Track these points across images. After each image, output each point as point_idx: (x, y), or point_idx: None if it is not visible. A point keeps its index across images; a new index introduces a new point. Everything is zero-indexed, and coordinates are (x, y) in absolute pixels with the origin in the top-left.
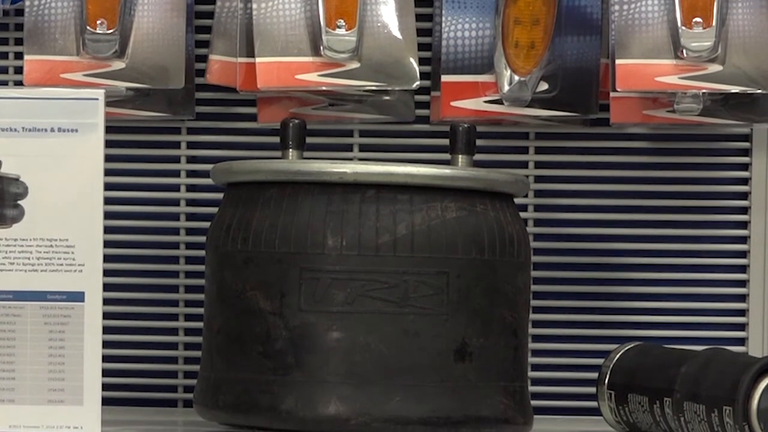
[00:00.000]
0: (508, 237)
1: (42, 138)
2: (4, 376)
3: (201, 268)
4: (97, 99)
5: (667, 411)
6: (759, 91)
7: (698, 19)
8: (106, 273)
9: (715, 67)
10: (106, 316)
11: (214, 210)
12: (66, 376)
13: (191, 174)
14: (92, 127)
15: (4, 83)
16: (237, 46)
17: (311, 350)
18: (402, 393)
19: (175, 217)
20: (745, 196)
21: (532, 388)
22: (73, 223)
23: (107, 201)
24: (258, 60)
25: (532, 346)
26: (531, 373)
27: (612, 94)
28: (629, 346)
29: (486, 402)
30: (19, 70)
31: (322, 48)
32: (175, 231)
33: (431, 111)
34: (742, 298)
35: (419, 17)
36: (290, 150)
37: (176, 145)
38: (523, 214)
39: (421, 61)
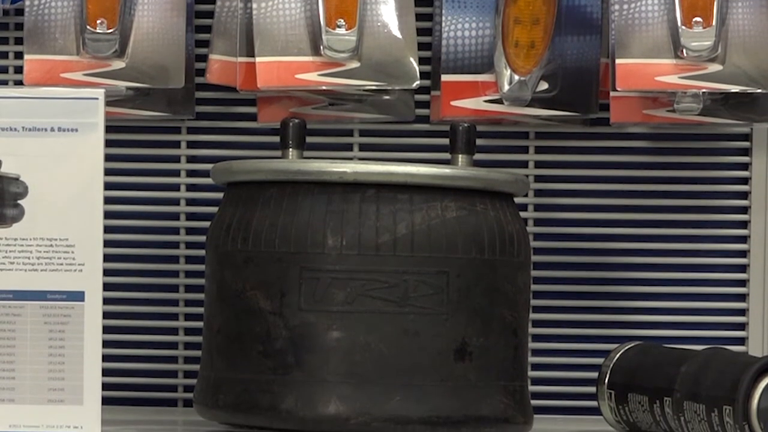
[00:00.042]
0: (508, 236)
1: (42, 137)
2: (4, 375)
3: (201, 267)
4: (97, 98)
5: (667, 410)
6: (759, 90)
7: (698, 19)
8: (106, 272)
9: (715, 67)
10: (106, 315)
11: (214, 209)
12: (66, 376)
13: (191, 173)
14: (92, 127)
15: (4, 83)
16: (237, 46)
17: (311, 350)
18: (402, 393)
19: (175, 216)
20: (745, 195)
21: (532, 388)
22: (73, 223)
23: (107, 200)
24: (258, 59)
25: (532, 345)
26: (531, 373)
27: (612, 94)
28: (629, 346)
29: (486, 401)
30: (19, 70)
31: (322, 47)
32: (175, 230)
33: (431, 110)
34: (742, 297)
35: (419, 17)
36: (290, 149)
37: (176, 144)
38: (523, 214)
39: (421, 61)
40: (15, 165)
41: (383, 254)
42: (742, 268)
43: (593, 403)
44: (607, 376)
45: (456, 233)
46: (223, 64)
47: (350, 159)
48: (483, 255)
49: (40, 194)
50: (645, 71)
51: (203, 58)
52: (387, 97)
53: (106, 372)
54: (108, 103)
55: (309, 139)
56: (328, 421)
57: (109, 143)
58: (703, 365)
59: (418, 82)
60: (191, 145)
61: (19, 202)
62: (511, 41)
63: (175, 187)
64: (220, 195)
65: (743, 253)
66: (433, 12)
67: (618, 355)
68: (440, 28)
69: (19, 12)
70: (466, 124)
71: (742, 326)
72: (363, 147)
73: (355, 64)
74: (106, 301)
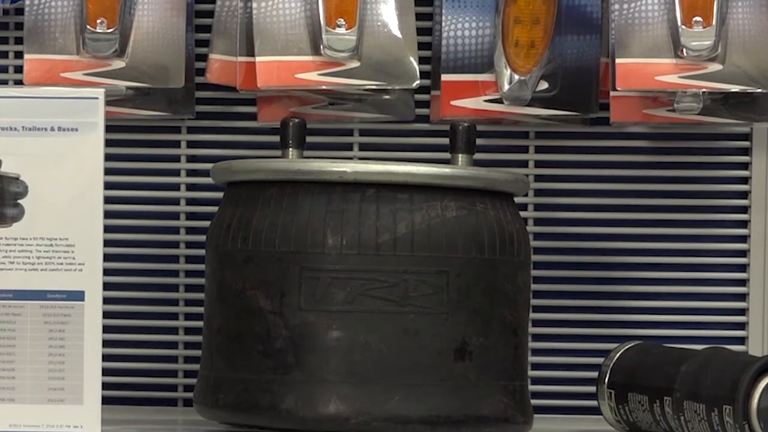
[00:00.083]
0: (508, 236)
1: (42, 137)
2: (5, 375)
3: (201, 267)
4: (97, 98)
5: (667, 410)
6: (759, 90)
7: (698, 18)
8: (106, 272)
9: (715, 66)
10: (106, 315)
11: (214, 209)
12: (66, 375)
13: (191, 173)
14: (92, 126)
15: (4, 82)
16: (237, 45)
17: (311, 349)
18: (402, 392)
19: (175, 216)
20: (745, 195)
21: (532, 387)
22: (73, 222)
23: (107, 200)
24: (258, 59)
25: (532, 345)
26: (531, 372)
27: (612, 93)
28: (629, 345)
29: (486, 401)
30: (19, 69)
31: (322, 47)
32: (175, 230)
33: (431, 110)
34: (742, 297)
35: (419, 16)
36: (290, 149)
37: (176, 144)
38: (523, 213)
39: (421, 60)
40: (15, 164)
41: (383, 254)
42: (742, 268)
43: (593, 403)
44: (607, 375)
45: (456, 233)
46: (223, 63)
47: (350, 159)
48: (483, 254)
49: (40, 194)
50: (645, 71)
51: (203, 57)
52: (387, 97)
53: (106, 371)
54: (108, 103)
55: (309, 139)
56: (328, 421)
57: (109, 143)
58: (703, 365)
59: (418, 82)
60: (191, 144)
61: (19, 201)
62: (511, 41)
63: (175, 187)
64: (220, 194)
65: (743, 253)
66: (433, 11)
67: (618, 355)
68: (440, 28)
69: (19, 11)
70: (466, 124)
71: (742, 326)
72: (363, 146)
73: (355, 64)
74: (106, 300)
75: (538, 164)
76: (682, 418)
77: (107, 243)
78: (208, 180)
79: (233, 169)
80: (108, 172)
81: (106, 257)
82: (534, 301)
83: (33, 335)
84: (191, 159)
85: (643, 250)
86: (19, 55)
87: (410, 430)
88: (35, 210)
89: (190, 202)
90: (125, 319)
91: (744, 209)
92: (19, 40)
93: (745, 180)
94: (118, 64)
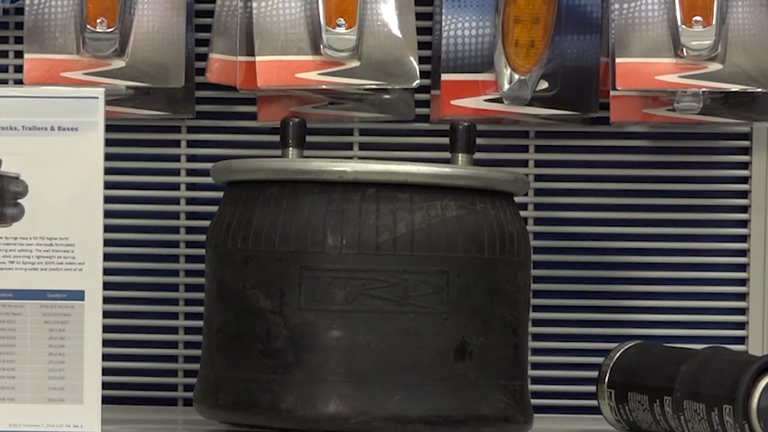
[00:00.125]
0: (508, 235)
1: (42, 137)
2: (5, 374)
3: (201, 266)
4: (97, 98)
5: (667, 410)
6: (759, 89)
7: (698, 18)
8: (106, 271)
9: (715, 66)
10: (106, 314)
11: (214, 208)
12: (66, 375)
13: (191, 173)
14: (92, 126)
15: (4, 82)
16: (237, 45)
17: (311, 349)
18: (402, 392)
19: (175, 215)
20: (745, 194)
21: (532, 387)
22: (73, 222)
23: (107, 199)
24: (258, 58)
25: (532, 344)
26: (531, 372)
27: (612, 93)
28: (629, 345)
29: (486, 401)
30: (19, 69)
31: (322, 46)
32: (175, 229)
33: (431, 109)
34: (742, 296)
35: (419, 16)
36: (290, 149)
37: (176, 143)
38: (523, 213)
39: (421, 60)
40: (15, 164)
41: (383, 253)
42: (742, 267)
43: (593, 402)
44: (607, 375)
45: (456, 232)
46: (223, 63)
47: (350, 158)
48: (483, 254)
49: (40, 193)
50: (645, 70)
51: (203, 57)
52: (387, 96)
53: (106, 371)
54: (108, 102)
55: (309, 138)
56: (328, 421)
57: (109, 142)
58: (703, 364)
59: (418, 81)
60: (191, 144)
61: (19, 201)
62: (511, 40)
63: (175, 186)
64: (220, 194)
65: (743, 252)
66: (433, 11)
67: (618, 354)
68: (440, 27)
69: (19, 11)
70: (466, 123)
71: (742, 325)
72: (363, 146)
73: (355, 63)
74: (106, 300)
75: (538, 164)
76: (682, 417)
77: (107, 242)
78: (208, 179)
79: (233, 169)
80: (108, 171)
81: (106, 257)
82: (534, 301)
83: (33, 335)
84: (191, 158)
85: (643, 250)
86: (19, 54)
87: (410, 429)
88: (35, 209)
89: (190, 201)
90: (125, 318)
91: (744, 209)
92: (19, 40)
93: (745, 179)
94: (118, 63)
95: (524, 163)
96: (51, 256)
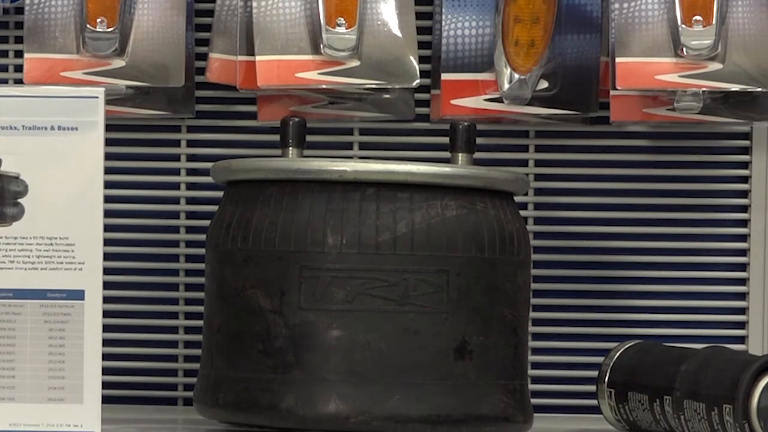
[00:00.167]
0: (508, 235)
1: (42, 136)
2: (5, 374)
3: (201, 266)
4: (97, 97)
5: (667, 409)
6: (759, 89)
7: (698, 18)
8: (106, 271)
9: (715, 66)
10: (106, 314)
11: (214, 208)
12: (66, 375)
13: (191, 172)
14: (92, 126)
15: (4, 81)
16: (237, 45)
17: (311, 348)
18: (402, 391)
19: (175, 215)
20: (745, 194)
21: (532, 387)
22: (73, 222)
23: (107, 199)
24: (258, 58)
25: (532, 344)
26: (531, 372)
27: (612, 93)
28: (629, 345)
29: (486, 400)
30: (19, 69)
31: (322, 46)
32: (175, 229)
33: (431, 109)
34: (742, 296)
35: (419, 15)
36: (290, 148)
37: (176, 143)
38: (523, 213)
39: (421, 59)
40: (15, 163)
41: (383, 253)
42: (742, 267)
43: (593, 402)
44: (607, 374)
45: (456, 232)
46: (223, 62)
47: (350, 158)
48: (483, 254)
49: (40, 193)
50: (645, 70)
51: (203, 56)
52: (387, 96)
53: (106, 370)
54: (108, 102)
55: (309, 138)
56: (328, 420)
57: (109, 142)
58: (703, 364)
59: (418, 81)
60: (191, 143)
61: (19, 200)
62: (511, 40)
63: (175, 186)
64: (220, 194)
65: (743, 252)
66: (433, 10)
67: (618, 354)
68: (440, 27)
69: (19, 11)
70: (466, 123)
71: (741, 325)
72: (363, 146)
73: (355, 63)
74: (106, 299)
75: (538, 163)
76: (682, 417)
77: (107, 242)
78: (208, 179)
79: (233, 168)
80: (108, 171)
81: (106, 256)
82: (534, 300)
83: (33, 334)
84: (191, 158)
85: (643, 249)
86: (19, 54)
87: (410, 429)
88: (35, 209)
89: (190, 201)
90: (125, 318)
91: (744, 208)
92: (19, 39)
93: (745, 179)
94: (118, 63)
95: (524, 163)
96: (51, 255)
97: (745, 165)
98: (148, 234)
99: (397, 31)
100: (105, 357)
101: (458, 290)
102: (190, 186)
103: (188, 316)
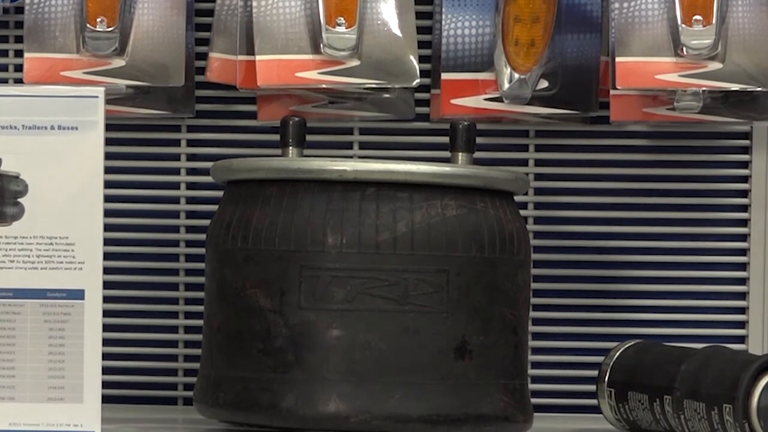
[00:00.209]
0: (508, 235)
1: (42, 136)
2: (4, 373)
3: (201, 265)
4: (97, 97)
5: (667, 409)
6: (759, 88)
7: (698, 17)
8: (106, 271)
9: (715, 65)
10: (106, 313)
11: (214, 208)
12: (66, 374)
13: (191, 172)
14: (92, 125)
15: (4, 81)
16: (237, 44)
17: (311, 348)
18: (402, 391)
19: (175, 214)
20: (745, 193)
21: (532, 386)
22: (73, 221)
23: (107, 199)
24: (258, 58)
25: (532, 343)
26: (531, 371)
27: (612, 92)
28: (629, 344)
29: (486, 400)
30: (19, 68)
31: (322, 46)
32: (175, 229)
33: (431, 109)
34: (742, 295)
35: (419, 15)
36: (290, 148)
37: (176, 142)
38: (523, 212)
39: (421, 59)
40: (15, 163)
41: (383, 252)
42: (742, 267)
43: (593, 402)
44: (607, 374)
45: (456, 231)
46: (223, 62)
47: (350, 157)
48: (483, 253)
49: (40, 192)
50: (645, 69)
51: (203, 56)
52: (387, 96)
53: (106, 370)
54: (108, 102)
55: (309, 138)
56: (328, 420)
57: (109, 141)
58: (703, 363)
59: (418, 81)
60: (191, 143)
61: (19, 200)
62: (511, 39)
63: (175, 186)
64: (220, 193)
65: (743, 252)
66: (433, 10)
67: (618, 354)
68: (440, 27)
69: (19, 10)
70: (466, 123)
71: (741, 324)
72: (363, 145)
73: (355, 63)
74: (106, 299)
75: (538, 163)
76: (682, 416)
77: (107, 241)
78: (208, 179)
79: (233, 168)
80: (108, 170)
81: (106, 256)
82: (534, 300)
83: (33, 334)
84: (191, 157)
85: (643, 249)
86: (19, 53)
87: (410, 428)
88: (35, 209)
89: (190, 200)
90: (125, 317)
91: (744, 208)
92: (19, 39)
93: (745, 179)
94: (118, 62)
95: (524, 162)
96: (51, 255)
97: (745, 164)
98: (148, 234)
99: (397, 31)
100: (105, 356)
101: (458, 290)
102: (190, 185)
103: (188, 315)
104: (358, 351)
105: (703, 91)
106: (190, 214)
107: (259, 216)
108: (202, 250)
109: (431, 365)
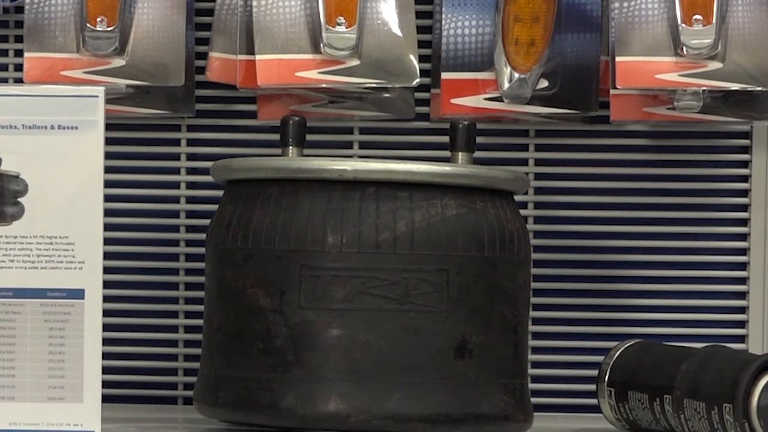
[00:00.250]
0: (508, 234)
1: (42, 135)
2: (5, 373)
3: (201, 265)
4: (97, 96)
5: (667, 408)
6: (759, 88)
7: (698, 17)
8: (106, 270)
9: (715, 65)
10: (106, 313)
11: (214, 207)
12: (66, 374)
13: (191, 171)
14: (92, 125)
15: (4, 80)
16: (237, 44)
17: (311, 347)
18: (402, 390)
19: (175, 214)
20: (745, 193)
21: (532, 386)
22: (73, 221)
23: (107, 198)
24: (258, 57)
25: (532, 343)
26: (531, 371)
27: (612, 92)
28: (629, 344)
29: (486, 399)
30: (19, 68)
31: (322, 45)
32: (175, 228)
33: (431, 108)
34: (742, 295)
35: (419, 14)
36: (290, 147)
37: (176, 142)
38: (523, 212)
39: (421, 59)
40: (15, 163)
41: (383, 252)
42: (742, 266)
43: (593, 401)
44: (607, 373)
45: (456, 231)
46: (223, 61)
47: (350, 157)
48: (483, 253)
49: (40, 192)
50: (645, 69)
51: (203, 55)
52: (387, 95)
53: (106, 369)
54: (108, 101)
55: (309, 137)
56: (328, 419)
57: (109, 141)
58: (703, 363)
59: (418, 80)
60: (191, 142)
61: (19, 199)
62: (511, 39)
63: (175, 185)
64: (220, 193)
65: (743, 251)
66: (433, 10)
67: (618, 353)
68: (440, 26)
69: (19, 10)
70: (466, 122)
71: (742, 324)
72: (363, 145)
73: (355, 62)
74: (106, 298)
75: (538, 162)
76: (682, 416)
77: (107, 241)
78: (208, 178)
79: (233, 168)
80: (108, 170)
81: (106, 255)
82: (534, 299)
83: (33, 333)
84: (191, 157)
85: (643, 248)
86: (19, 53)
87: (410, 428)
88: (35, 208)
89: (190, 200)
90: (125, 317)
91: (744, 207)
92: (19, 39)
93: (745, 178)
94: (118, 62)
95: (524, 162)
96: (51, 254)
97: (745, 164)
98: (148, 233)
99: (397, 30)
100: (105, 356)
101: (458, 289)
102: (190, 185)
103: (188, 315)
104: (358, 350)
105: (703, 90)
106: (190, 214)
107: (259, 215)
108: (202, 250)
109: (431, 365)
